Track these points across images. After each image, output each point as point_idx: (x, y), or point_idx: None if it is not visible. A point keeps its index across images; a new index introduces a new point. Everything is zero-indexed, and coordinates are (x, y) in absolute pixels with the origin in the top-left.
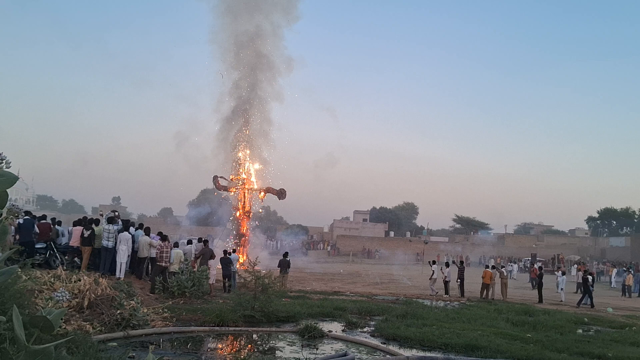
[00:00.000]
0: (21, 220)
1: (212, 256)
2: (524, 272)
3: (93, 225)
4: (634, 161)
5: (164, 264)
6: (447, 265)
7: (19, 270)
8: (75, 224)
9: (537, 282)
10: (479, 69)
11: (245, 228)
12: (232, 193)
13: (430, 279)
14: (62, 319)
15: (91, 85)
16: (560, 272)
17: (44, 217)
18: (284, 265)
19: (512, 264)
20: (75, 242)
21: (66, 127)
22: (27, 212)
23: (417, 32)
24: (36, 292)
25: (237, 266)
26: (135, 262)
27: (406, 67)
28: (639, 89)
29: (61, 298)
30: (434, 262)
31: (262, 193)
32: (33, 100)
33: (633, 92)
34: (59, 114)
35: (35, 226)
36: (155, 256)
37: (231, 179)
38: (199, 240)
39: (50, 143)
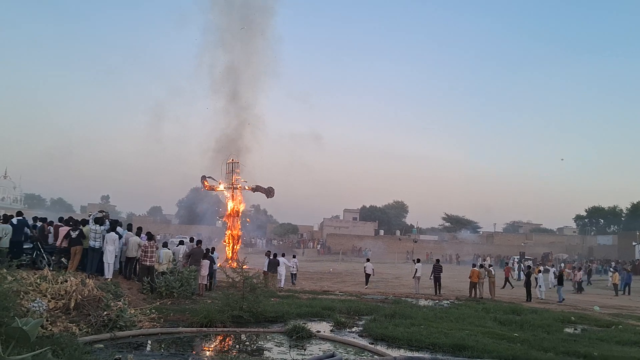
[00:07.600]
0: (15, 221)
1: (205, 257)
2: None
3: (81, 226)
4: (622, 160)
5: (148, 263)
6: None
7: (4, 270)
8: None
9: (525, 281)
10: (469, 66)
11: (235, 227)
12: (223, 191)
13: (414, 277)
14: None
15: (80, 79)
16: (539, 269)
17: (44, 219)
18: (273, 265)
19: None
20: (60, 242)
21: (53, 124)
22: (19, 213)
23: (407, 28)
24: (22, 293)
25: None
26: (124, 262)
27: (396, 63)
28: (630, 88)
29: (38, 308)
30: (418, 260)
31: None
32: (18, 95)
33: (623, 91)
34: (46, 110)
35: (27, 229)
36: (139, 256)
37: (219, 182)
38: (191, 240)
39: (38, 140)
